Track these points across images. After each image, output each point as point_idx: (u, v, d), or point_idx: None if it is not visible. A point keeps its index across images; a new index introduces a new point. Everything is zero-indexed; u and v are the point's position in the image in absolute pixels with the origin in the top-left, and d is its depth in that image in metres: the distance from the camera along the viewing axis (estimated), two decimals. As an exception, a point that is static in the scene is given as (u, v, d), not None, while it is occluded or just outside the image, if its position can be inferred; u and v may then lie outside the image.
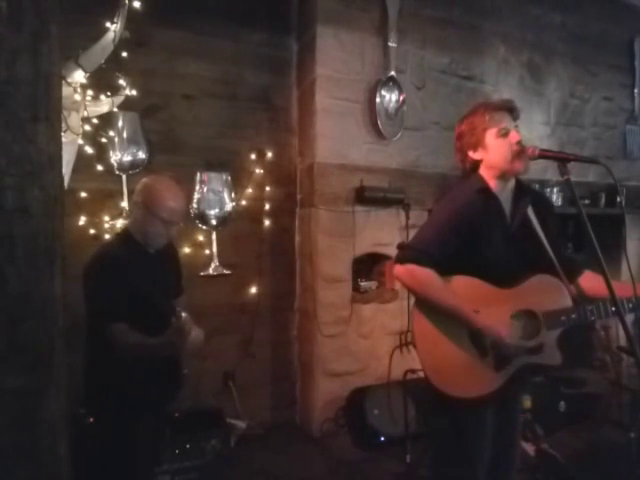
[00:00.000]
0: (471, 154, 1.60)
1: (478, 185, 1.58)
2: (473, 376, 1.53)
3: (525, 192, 1.63)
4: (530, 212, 1.60)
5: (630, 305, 1.48)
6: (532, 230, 1.59)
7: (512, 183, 1.62)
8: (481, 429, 1.57)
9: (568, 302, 1.54)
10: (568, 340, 1.57)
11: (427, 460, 1.86)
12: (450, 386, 1.52)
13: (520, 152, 1.50)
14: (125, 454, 1.69)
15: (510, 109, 1.58)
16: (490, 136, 1.55)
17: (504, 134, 1.53)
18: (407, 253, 1.57)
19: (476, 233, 1.53)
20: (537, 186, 3.73)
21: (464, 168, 1.67)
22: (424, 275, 1.51)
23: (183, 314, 1.56)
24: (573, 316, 1.52)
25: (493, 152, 1.55)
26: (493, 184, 1.58)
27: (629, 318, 1.35)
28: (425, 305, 1.57)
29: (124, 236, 1.82)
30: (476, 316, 1.50)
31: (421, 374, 1.63)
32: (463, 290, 1.54)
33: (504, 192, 1.60)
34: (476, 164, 1.62)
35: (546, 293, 1.54)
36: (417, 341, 1.58)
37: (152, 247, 1.81)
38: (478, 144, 1.57)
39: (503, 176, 1.57)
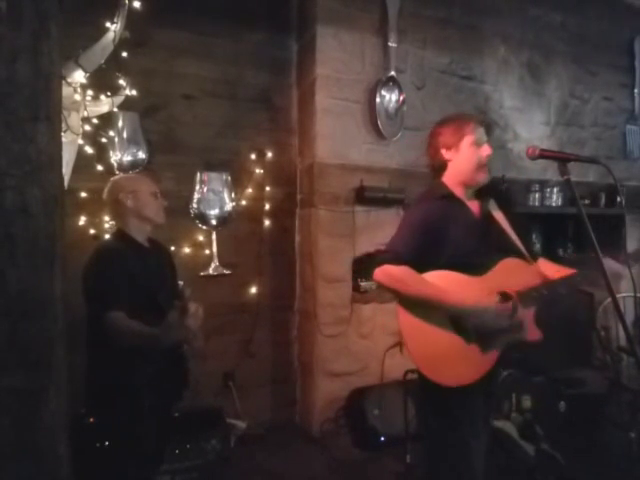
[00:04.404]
0: (443, 152, 1.72)
1: (440, 192, 1.71)
2: (463, 363, 1.58)
3: (485, 191, 1.76)
4: (492, 206, 1.73)
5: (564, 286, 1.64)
6: (496, 223, 1.70)
7: (473, 189, 1.75)
8: (474, 414, 1.61)
9: (536, 279, 1.65)
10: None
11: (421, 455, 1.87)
12: (444, 377, 1.56)
13: (484, 165, 1.68)
14: (127, 455, 1.68)
15: (487, 127, 1.75)
16: (466, 142, 1.69)
17: (479, 144, 1.68)
18: (380, 257, 1.66)
19: (441, 235, 1.63)
20: (537, 186, 3.74)
21: (432, 166, 1.78)
22: (399, 271, 1.58)
23: (186, 290, 1.50)
24: (544, 291, 1.63)
25: (463, 156, 1.69)
26: (458, 191, 1.71)
27: (629, 317, 1.36)
28: (405, 303, 1.63)
29: (119, 235, 1.85)
30: (455, 297, 1.55)
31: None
32: (437, 282, 1.60)
33: (467, 195, 1.73)
34: (442, 165, 1.74)
35: (515, 274, 1.65)
36: (405, 338, 1.62)
37: (154, 224, 1.86)
38: (453, 145, 1.70)
39: (465, 183, 1.71)
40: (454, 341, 1.57)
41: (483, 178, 1.70)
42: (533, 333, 1.64)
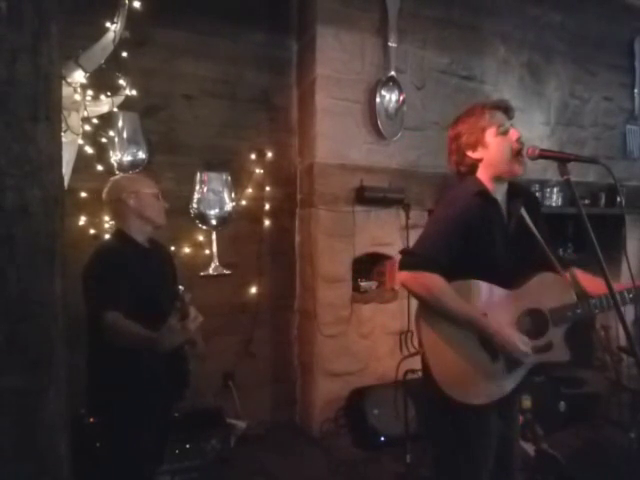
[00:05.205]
0: (470, 154, 1.59)
1: (476, 188, 1.57)
2: (486, 382, 1.52)
3: (517, 192, 1.64)
4: (523, 212, 1.62)
5: (631, 295, 1.51)
6: (527, 229, 1.60)
7: (506, 185, 1.63)
8: (486, 432, 1.56)
9: (572, 297, 1.56)
10: (568, 340, 1.57)
11: (428, 461, 1.84)
12: (465, 395, 1.50)
13: (520, 150, 1.52)
14: (128, 454, 1.68)
15: (506, 109, 1.59)
16: (490, 134, 1.55)
17: (504, 132, 1.54)
18: (412, 259, 1.54)
19: (477, 236, 1.52)
20: (537, 186, 3.74)
21: (458, 171, 1.66)
22: (431, 281, 1.48)
23: (187, 295, 1.50)
24: (578, 311, 1.54)
25: (493, 150, 1.55)
26: (490, 186, 1.58)
27: (629, 317, 1.36)
28: (430, 313, 1.54)
29: (119, 235, 1.84)
30: (486, 321, 1.48)
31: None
32: (471, 293, 1.53)
33: (499, 194, 1.61)
34: (473, 166, 1.61)
35: (549, 291, 1.56)
36: (426, 351, 1.55)
37: (155, 225, 1.86)
38: (478, 143, 1.57)
39: (500, 177, 1.58)
40: (479, 358, 1.50)
41: (519, 170, 1.54)
42: (562, 354, 1.55)
